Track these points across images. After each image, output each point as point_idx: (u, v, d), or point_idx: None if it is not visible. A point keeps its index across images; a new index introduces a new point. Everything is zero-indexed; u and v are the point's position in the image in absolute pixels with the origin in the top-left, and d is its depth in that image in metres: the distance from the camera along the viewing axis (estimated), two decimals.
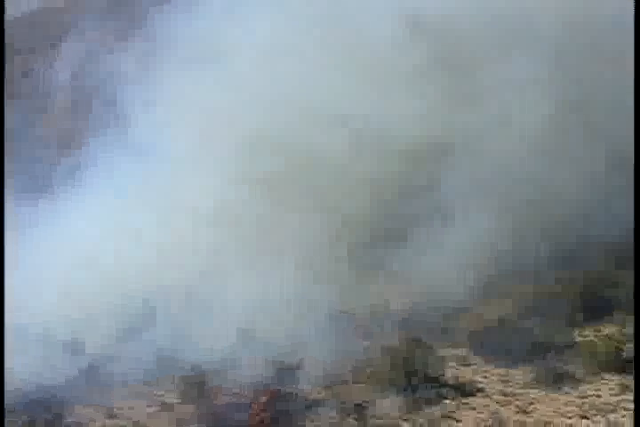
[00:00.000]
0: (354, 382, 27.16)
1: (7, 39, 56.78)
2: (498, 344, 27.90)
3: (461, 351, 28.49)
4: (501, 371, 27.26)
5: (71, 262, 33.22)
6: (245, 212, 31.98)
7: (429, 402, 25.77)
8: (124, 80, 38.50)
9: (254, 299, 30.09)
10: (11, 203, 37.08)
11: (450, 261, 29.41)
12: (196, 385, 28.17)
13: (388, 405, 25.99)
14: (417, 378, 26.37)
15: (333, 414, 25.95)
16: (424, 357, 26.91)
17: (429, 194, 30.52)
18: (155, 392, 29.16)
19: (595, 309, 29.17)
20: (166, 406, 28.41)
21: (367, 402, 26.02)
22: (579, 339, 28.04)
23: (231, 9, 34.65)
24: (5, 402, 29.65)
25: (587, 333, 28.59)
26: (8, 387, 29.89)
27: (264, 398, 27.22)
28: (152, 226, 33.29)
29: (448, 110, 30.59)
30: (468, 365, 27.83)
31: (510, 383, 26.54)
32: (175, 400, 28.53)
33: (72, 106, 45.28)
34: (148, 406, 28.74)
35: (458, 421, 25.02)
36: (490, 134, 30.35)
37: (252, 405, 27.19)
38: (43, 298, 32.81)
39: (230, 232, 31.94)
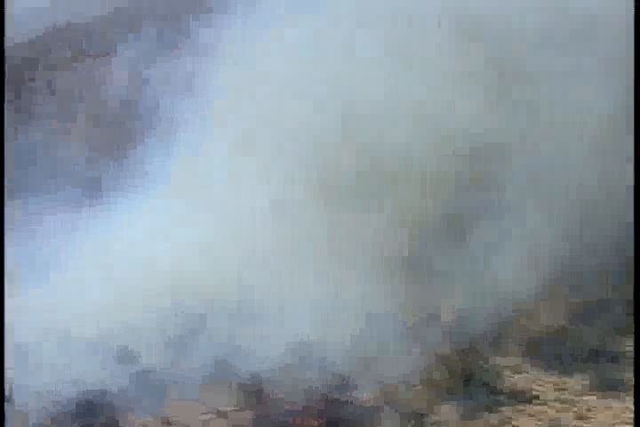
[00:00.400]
0: (411, 390, 27.43)
1: (33, 55, 56.97)
2: (551, 352, 28.22)
3: (514, 359, 28.72)
4: (555, 379, 27.55)
5: (126, 267, 33.59)
6: (302, 212, 32.34)
7: (487, 409, 26.13)
8: (171, 83, 39.18)
9: (309, 303, 30.37)
10: (63, 207, 37.73)
11: (504, 266, 29.71)
12: (253, 393, 28.52)
13: (447, 412, 26.39)
14: (474, 386, 26.75)
15: (392, 421, 26.29)
16: (479, 364, 27.36)
17: (486, 195, 30.75)
18: (209, 399, 29.45)
19: None
20: (221, 414, 28.77)
21: (425, 409, 26.38)
22: (628, 347, 28.28)
23: (285, 11, 35.23)
24: (60, 408, 30.13)
25: (630, 343, 28.71)
26: (62, 393, 30.46)
27: (319, 405, 27.59)
28: (209, 229, 33.60)
29: (505, 111, 30.90)
30: (522, 373, 28.06)
31: (566, 391, 26.86)
32: (230, 408, 28.86)
33: (120, 111, 45.80)
34: (203, 413, 29.14)
35: None
36: (547, 135, 30.59)
37: (307, 412, 27.56)
38: (96, 303, 33.22)
39: (287, 233, 32.31)
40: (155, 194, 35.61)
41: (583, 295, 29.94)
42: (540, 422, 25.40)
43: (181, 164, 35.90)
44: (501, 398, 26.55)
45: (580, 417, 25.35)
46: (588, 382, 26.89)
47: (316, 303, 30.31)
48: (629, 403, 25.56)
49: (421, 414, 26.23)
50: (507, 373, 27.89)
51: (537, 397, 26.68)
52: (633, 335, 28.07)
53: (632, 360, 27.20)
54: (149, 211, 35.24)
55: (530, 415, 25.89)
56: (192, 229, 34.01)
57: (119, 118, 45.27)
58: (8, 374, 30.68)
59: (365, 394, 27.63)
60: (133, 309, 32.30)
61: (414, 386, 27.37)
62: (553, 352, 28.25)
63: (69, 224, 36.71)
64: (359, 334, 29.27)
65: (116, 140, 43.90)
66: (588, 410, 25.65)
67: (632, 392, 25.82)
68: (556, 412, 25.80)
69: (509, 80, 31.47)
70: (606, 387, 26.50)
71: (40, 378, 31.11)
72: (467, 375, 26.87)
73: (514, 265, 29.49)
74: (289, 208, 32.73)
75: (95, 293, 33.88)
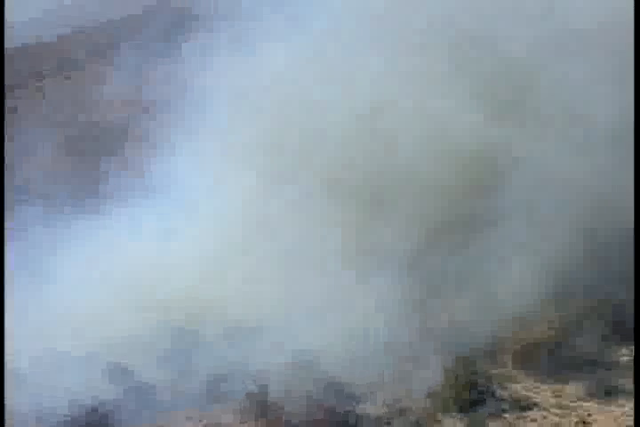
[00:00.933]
0: (415, 400, 28.01)
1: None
2: (546, 361, 29.08)
3: (509, 369, 29.43)
4: (552, 387, 28.36)
5: (122, 278, 33.64)
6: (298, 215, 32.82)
7: (491, 417, 26.90)
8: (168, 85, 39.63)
9: (313, 314, 30.76)
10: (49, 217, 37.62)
11: (501, 277, 30.47)
12: (256, 404, 28.76)
13: (452, 421, 27.06)
14: (476, 395, 27.49)
15: None
16: (479, 374, 28.13)
17: (485, 205, 31.46)
18: (210, 412, 29.61)
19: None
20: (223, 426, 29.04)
21: (432, 418, 27.01)
22: (622, 357, 29.20)
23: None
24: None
25: (624, 351, 29.72)
26: (58, 411, 30.29)
27: (321, 416, 27.96)
28: (208, 235, 33.78)
29: (505, 122, 31.74)
30: (519, 382, 28.79)
31: (564, 398, 27.69)
32: (232, 420, 29.10)
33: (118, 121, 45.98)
34: (204, 426, 29.32)
35: None
36: (549, 147, 31.39)
37: (310, 423, 27.93)
38: (87, 319, 33.19)
39: (294, 237, 32.73)
40: (151, 202, 35.80)
41: (582, 303, 30.54)
42: None
43: (182, 167, 36.22)
44: (504, 405, 27.35)
45: (582, 422, 26.22)
46: (585, 389, 27.69)
47: (320, 314, 30.69)
48: (627, 408, 26.45)
49: (428, 423, 26.86)
50: (503, 381, 28.59)
51: (537, 404, 27.48)
52: (624, 344, 29.17)
53: (627, 367, 28.13)
54: (145, 220, 35.40)
55: (532, 421, 26.70)
56: (190, 237, 34.17)
57: (114, 124, 45.49)
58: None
59: (368, 405, 28.22)
60: (132, 322, 32.37)
61: (417, 397, 27.98)
62: (549, 361, 29.03)
63: (59, 237, 36.58)
64: (363, 346, 29.76)
65: (108, 148, 44.05)
66: (589, 415, 26.52)
67: (629, 397, 26.72)
68: (558, 417, 26.64)
69: (513, 87, 32.25)
70: (603, 393, 27.40)
71: (33, 396, 31.07)
72: (471, 385, 27.55)
73: (515, 272, 30.20)
74: (296, 211, 33.14)
75: (88, 307, 33.90)
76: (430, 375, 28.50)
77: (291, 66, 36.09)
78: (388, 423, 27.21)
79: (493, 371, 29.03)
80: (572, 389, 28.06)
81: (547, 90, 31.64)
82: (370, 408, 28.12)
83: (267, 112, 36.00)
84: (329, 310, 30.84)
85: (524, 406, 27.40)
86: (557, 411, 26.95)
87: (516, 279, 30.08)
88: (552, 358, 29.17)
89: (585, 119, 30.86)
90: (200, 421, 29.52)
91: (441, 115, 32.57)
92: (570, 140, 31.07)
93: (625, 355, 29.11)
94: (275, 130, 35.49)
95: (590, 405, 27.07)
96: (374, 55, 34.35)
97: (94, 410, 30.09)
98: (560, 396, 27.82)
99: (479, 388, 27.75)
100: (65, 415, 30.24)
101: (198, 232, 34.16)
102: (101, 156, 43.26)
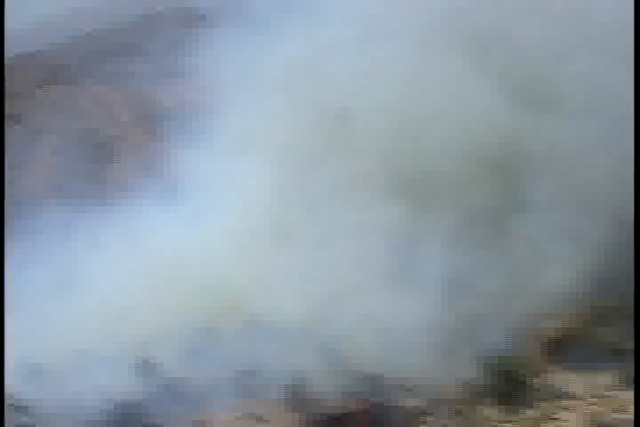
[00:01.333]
0: (451, 392, 28.49)
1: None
2: (574, 353, 29.72)
3: (539, 361, 29.99)
4: (584, 377, 28.97)
5: (147, 275, 33.84)
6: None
7: (528, 407, 27.51)
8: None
9: (337, 309, 31.10)
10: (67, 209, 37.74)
11: (528, 274, 31.02)
12: (293, 396, 29.17)
13: (490, 410, 27.60)
14: (511, 385, 28.08)
15: (438, 422, 27.39)
16: (512, 364, 28.73)
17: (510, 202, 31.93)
18: (245, 405, 29.90)
19: None
20: (261, 419, 29.32)
21: (470, 409, 27.56)
22: None
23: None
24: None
25: None
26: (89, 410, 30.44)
27: (359, 408, 28.41)
28: (235, 232, 33.97)
29: (530, 120, 32.21)
30: (550, 372, 29.36)
31: (596, 387, 28.33)
32: (270, 412, 29.42)
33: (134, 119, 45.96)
34: (237, 418, 29.56)
35: (558, 420, 26.82)
36: (574, 146, 31.94)
37: (347, 415, 28.38)
38: (113, 316, 33.38)
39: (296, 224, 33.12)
40: (172, 200, 36.01)
41: (604, 301, 31.14)
42: (580, 415, 26.84)
43: (202, 167, 36.46)
44: (539, 395, 27.95)
45: (618, 410, 26.85)
46: (616, 379, 28.31)
47: (353, 309, 31.04)
48: None
49: (466, 412, 27.40)
50: (539, 372, 29.18)
51: (571, 393, 28.06)
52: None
53: None
54: (169, 218, 35.58)
55: (564, 409, 27.31)
56: (216, 230, 34.35)
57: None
58: (23, 396, 30.78)
59: (408, 398, 28.66)
60: (161, 317, 32.57)
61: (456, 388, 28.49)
62: (577, 353, 29.67)
63: (80, 235, 36.67)
64: (396, 340, 30.18)
65: (120, 151, 44.12)
66: (624, 404, 27.15)
67: None
68: (595, 406, 27.26)
69: (530, 83, 32.75)
70: (634, 383, 28.00)
71: (61, 398, 31.14)
72: (505, 375, 28.14)
73: (542, 264, 30.69)
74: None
75: (110, 305, 34.06)
76: (464, 367, 29.00)
77: (305, 65, 36.41)
78: (430, 414, 27.67)
79: (525, 362, 29.54)
80: (604, 379, 28.64)
81: (570, 83, 32.05)
82: (407, 400, 28.53)
83: (286, 112, 36.31)
84: (361, 306, 31.15)
85: (558, 395, 27.99)
86: (592, 400, 27.56)
87: (542, 277, 30.59)
88: (580, 349, 29.80)
89: (610, 113, 31.36)
90: (235, 413, 29.78)
91: (467, 111, 32.93)
92: (594, 133, 31.51)
93: None
94: (296, 129, 35.81)
95: (624, 393, 27.65)
96: (397, 50, 34.62)
97: (127, 405, 30.42)
98: (592, 386, 28.40)
99: (513, 377, 28.31)
100: (97, 412, 30.51)
101: (226, 229, 34.35)
102: (114, 160, 43.48)
